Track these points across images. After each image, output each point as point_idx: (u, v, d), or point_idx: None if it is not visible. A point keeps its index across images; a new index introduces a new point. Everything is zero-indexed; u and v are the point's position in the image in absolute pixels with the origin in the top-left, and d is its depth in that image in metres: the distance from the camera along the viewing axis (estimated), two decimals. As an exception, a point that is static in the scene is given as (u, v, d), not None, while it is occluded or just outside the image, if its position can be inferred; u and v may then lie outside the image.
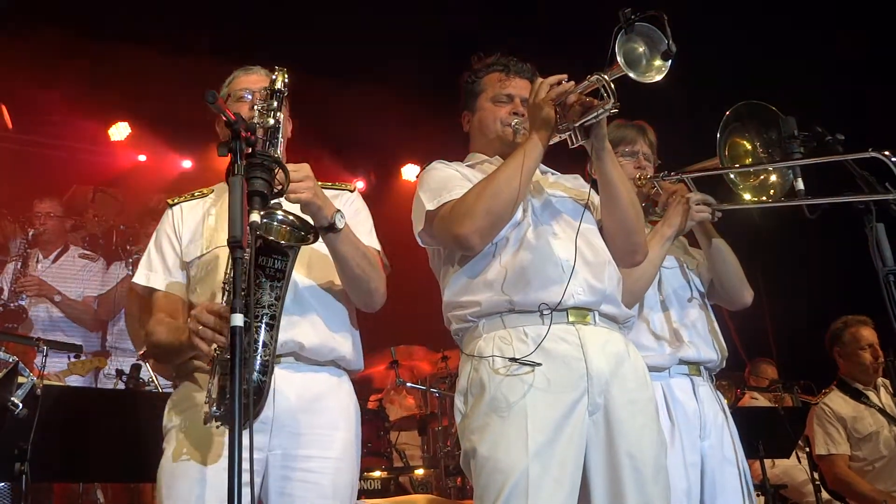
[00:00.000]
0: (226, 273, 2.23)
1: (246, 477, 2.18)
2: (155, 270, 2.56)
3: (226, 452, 2.20)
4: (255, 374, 2.07)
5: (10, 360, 3.16)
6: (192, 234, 2.56)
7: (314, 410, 2.38)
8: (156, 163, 8.34)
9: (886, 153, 2.61)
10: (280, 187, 2.07)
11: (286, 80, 2.27)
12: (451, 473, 5.58)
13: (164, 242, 2.59)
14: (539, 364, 2.34)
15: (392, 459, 5.77)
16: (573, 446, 2.29)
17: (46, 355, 4.08)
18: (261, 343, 2.11)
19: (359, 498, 4.64)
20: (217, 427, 2.12)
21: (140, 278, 2.57)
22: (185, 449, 2.30)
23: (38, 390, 3.31)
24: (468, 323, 2.51)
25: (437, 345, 6.47)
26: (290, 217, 2.17)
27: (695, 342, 3.01)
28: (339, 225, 2.32)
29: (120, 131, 8.14)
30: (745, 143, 3.01)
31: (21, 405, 3.02)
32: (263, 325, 2.12)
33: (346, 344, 2.50)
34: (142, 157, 8.32)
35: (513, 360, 2.35)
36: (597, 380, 2.35)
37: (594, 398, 2.35)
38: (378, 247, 2.64)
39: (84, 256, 7.99)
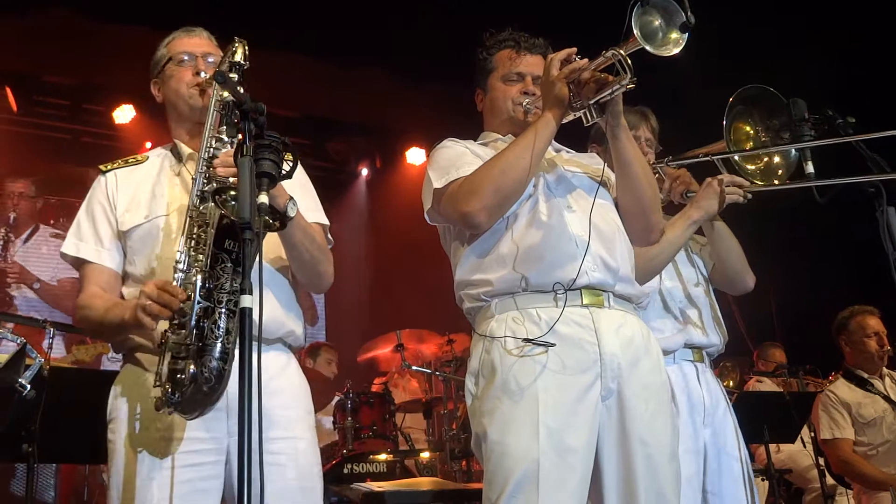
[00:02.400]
0: (180, 244, 2.12)
1: (212, 470, 2.16)
2: (85, 240, 2.41)
3: (174, 448, 2.15)
4: (217, 361, 1.99)
5: (18, 341, 3.15)
6: (128, 202, 2.41)
7: (267, 391, 2.24)
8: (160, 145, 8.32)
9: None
10: (288, 168, 2.04)
11: (246, 53, 2.18)
12: (456, 457, 5.58)
13: (98, 211, 2.43)
14: (553, 345, 2.31)
15: (397, 443, 5.78)
16: (585, 432, 2.27)
17: (53, 337, 4.08)
18: (223, 330, 2.00)
19: (364, 480, 4.65)
20: (169, 413, 2.04)
21: (69, 248, 2.42)
22: (135, 443, 2.19)
23: (45, 372, 3.31)
24: (480, 302, 2.48)
25: (443, 328, 6.47)
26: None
27: (699, 326, 3.01)
28: (291, 213, 2.22)
29: (125, 114, 8.12)
30: (746, 127, 3.00)
31: (29, 386, 3.02)
32: (225, 312, 2.02)
33: (295, 320, 2.43)
34: (148, 144, 8.27)
35: (526, 340, 2.32)
36: (610, 365, 2.33)
37: (607, 383, 2.32)
38: (325, 221, 2.55)
39: (56, 236, 7.93)
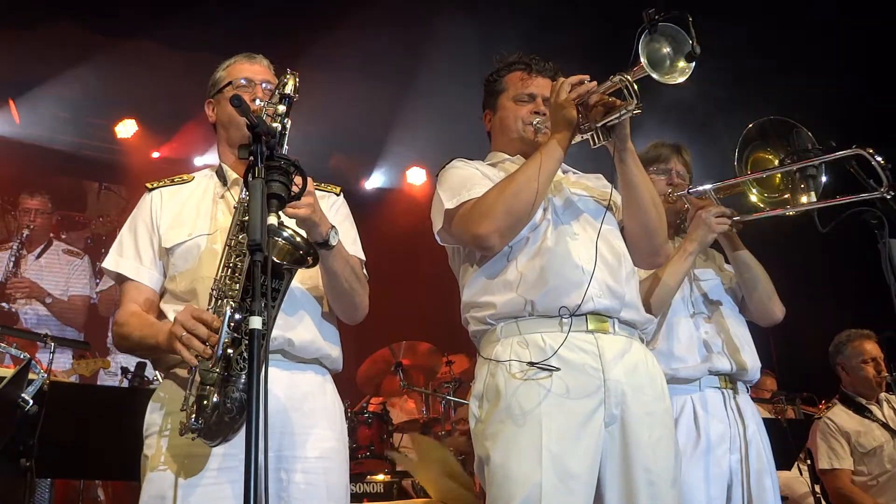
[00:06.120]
0: (218, 272, 2.14)
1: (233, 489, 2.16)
2: (126, 257, 2.42)
3: (210, 464, 2.16)
4: (240, 392, 2.00)
5: (22, 356, 3.16)
6: (173, 220, 2.43)
7: (303, 410, 2.31)
8: (163, 161, 8.33)
9: (870, 150, 2.65)
10: (297, 190, 2.05)
11: (297, 85, 2.19)
12: (453, 478, 5.57)
13: (141, 228, 2.44)
14: (557, 369, 2.32)
15: (395, 463, 5.76)
16: (588, 458, 2.28)
17: (54, 352, 4.08)
18: (248, 361, 1.98)
19: (361, 501, 4.64)
20: (192, 439, 2.05)
21: (109, 263, 2.44)
22: (166, 458, 2.20)
23: (45, 387, 3.31)
24: (486, 326, 2.50)
25: (442, 348, 6.46)
26: (297, 237, 2.09)
27: (725, 354, 3.02)
28: (333, 242, 2.26)
29: (127, 129, 8.14)
30: (769, 157, 3.03)
31: (32, 402, 3.03)
32: None
33: (331, 343, 2.45)
34: (155, 154, 8.29)
35: (531, 364, 2.34)
36: (614, 391, 2.34)
37: (610, 409, 2.34)
38: (362, 256, 2.56)
39: (69, 253, 7.92)
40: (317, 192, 2.52)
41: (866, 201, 2.67)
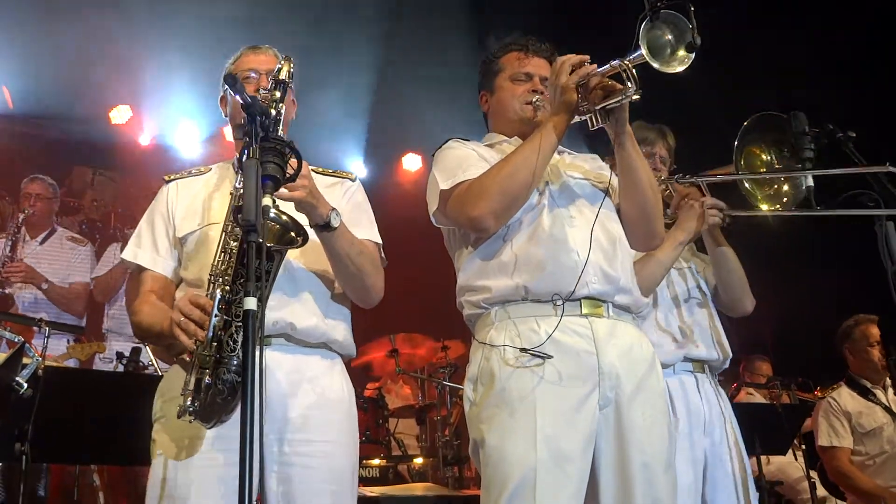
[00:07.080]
0: (215, 257, 2.18)
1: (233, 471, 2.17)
2: (143, 248, 2.51)
3: (209, 447, 2.20)
4: (231, 374, 2.02)
5: (17, 339, 3.16)
6: (186, 210, 2.51)
7: (307, 393, 2.33)
8: (157, 146, 8.29)
9: (904, 168, 2.63)
10: (292, 172, 2.04)
11: (291, 70, 2.21)
12: (449, 463, 5.60)
13: (157, 219, 2.53)
14: (550, 356, 2.32)
15: (390, 448, 5.78)
16: (582, 440, 2.28)
17: (48, 336, 4.07)
18: (239, 343, 2.03)
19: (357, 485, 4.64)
20: (190, 422, 2.08)
21: (128, 254, 2.52)
22: (169, 442, 2.26)
23: (40, 371, 3.30)
24: (480, 310, 2.49)
25: (438, 334, 6.47)
26: (283, 217, 2.08)
27: (700, 341, 3.06)
28: (335, 223, 2.27)
29: (121, 114, 8.10)
30: (761, 153, 3.02)
31: (26, 385, 3.02)
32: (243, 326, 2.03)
33: (338, 328, 2.46)
34: (144, 141, 8.25)
35: (524, 350, 2.33)
36: (608, 374, 2.33)
37: (605, 392, 2.33)
38: (378, 239, 2.58)
39: (72, 240, 7.88)
40: (331, 178, 2.60)
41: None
